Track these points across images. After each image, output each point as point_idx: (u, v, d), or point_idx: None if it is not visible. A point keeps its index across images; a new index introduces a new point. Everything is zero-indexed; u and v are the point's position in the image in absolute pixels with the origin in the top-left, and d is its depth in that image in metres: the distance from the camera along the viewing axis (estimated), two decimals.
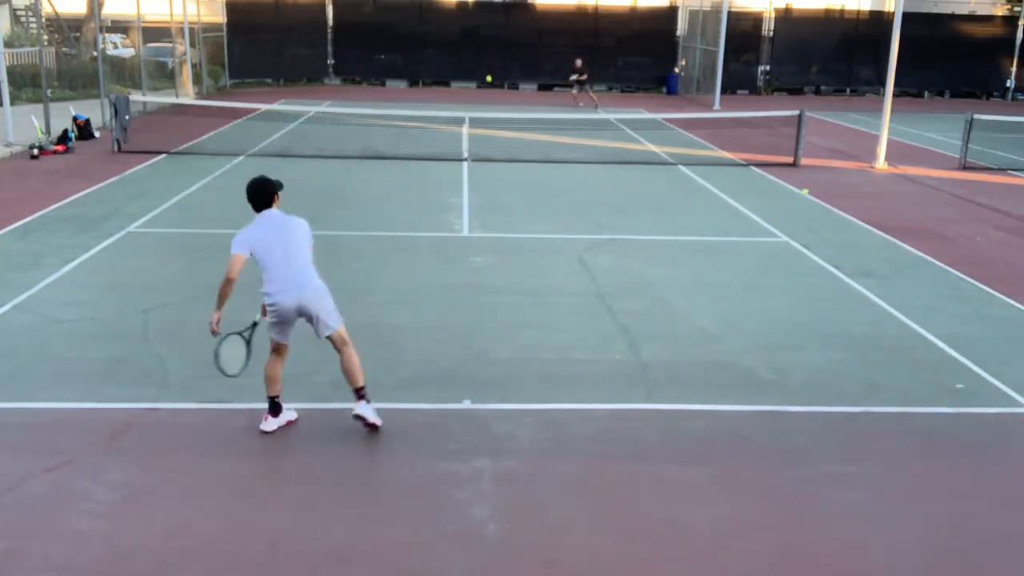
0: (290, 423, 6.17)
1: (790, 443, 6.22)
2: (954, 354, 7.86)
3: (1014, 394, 7.08)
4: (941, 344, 8.10)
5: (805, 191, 15.02)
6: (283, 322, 5.94)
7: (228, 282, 5.82)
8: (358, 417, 5.99)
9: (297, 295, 5.83)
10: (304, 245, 5.97)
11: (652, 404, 6.73)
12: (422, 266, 10.16)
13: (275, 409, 6.10)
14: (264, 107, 22.29)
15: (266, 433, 6.02)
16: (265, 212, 5.98)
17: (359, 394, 6.03)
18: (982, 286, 9.96)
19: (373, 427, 6.02)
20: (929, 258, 11.11)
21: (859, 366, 7.56)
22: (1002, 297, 9.59)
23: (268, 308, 5.92)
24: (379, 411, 6.45)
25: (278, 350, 6.07)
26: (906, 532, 5.17)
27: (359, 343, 7.74)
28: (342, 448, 5.94)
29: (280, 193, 6.06)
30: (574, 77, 28.25)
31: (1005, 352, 8.01)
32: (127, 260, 10.13)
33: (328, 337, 5.99)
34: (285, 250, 5.86)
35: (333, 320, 5.98)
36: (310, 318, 5.91)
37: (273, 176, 6.20)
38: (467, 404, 6.59)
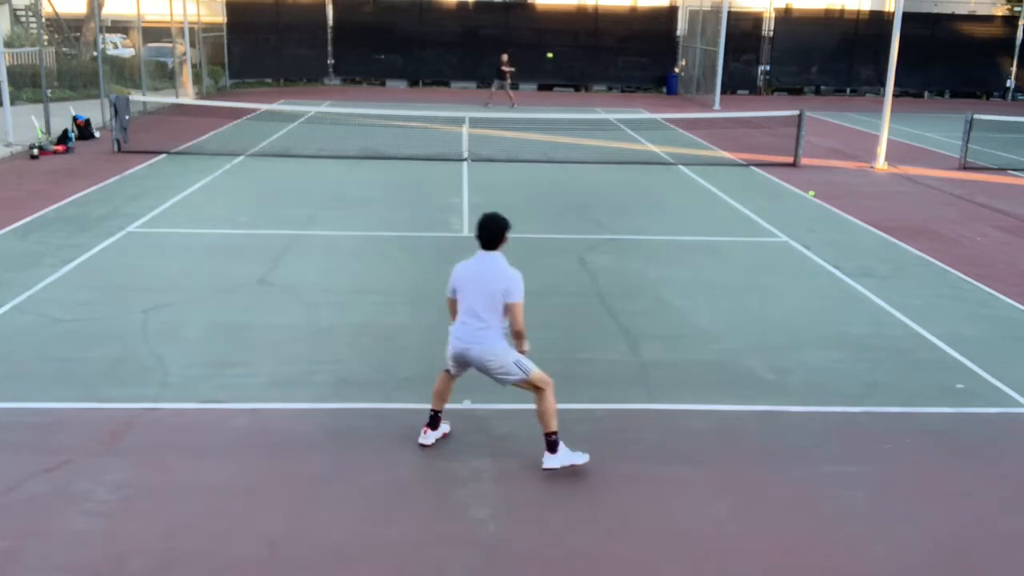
0: (445, 435, 6.05)
1: (790, 443, 6.22)
2: (954, 354, 7.86)
3: (1014, 394, 7.08)
4: (941, 344, 8.10)
5: (811, 193, 15.01)
6: (456, 366, 5.84)
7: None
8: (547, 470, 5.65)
9: (464, 349, 5.63)
10: (496, 300, 5.56)
11: (652, 404, 6.73)
12: (422, 266, 10.16)
13: (434, 423, 5.96)
14: (264, 107, 22.30)
15: (424, 447, 5.91)
16: (485, 254, 5.68)
17: (549, 440, 5.66)
18: (982, 286, 9.96)
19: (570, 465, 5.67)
20: (929, 258, 11.11)
21: (859, 366, 7.56)
22: (1002, 297, 9.59)
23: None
24: (379, 411, 6.47)
25: (449, 372, 5.95)
26: (906, 532, 5.17)
27: (359, 343, 7.79)
28: (342, 448, 5.94)
29: (508, 234, 5.75)
30: (505, 69, 27.79)
31: (1005, 352, 8.01)
32: (127, 260, 10.13)
33: (515, 385, 5.72)
34: (475, 297, 5.59)
35: (511, 374, 5.64)
36: (483, 371, 5.71)
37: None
38: (467, 404, 6.58)
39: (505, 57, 28.20)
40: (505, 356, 5.61)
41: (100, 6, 24.77)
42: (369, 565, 4.73)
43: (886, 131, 18.46)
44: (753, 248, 11.46)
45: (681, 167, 17.57)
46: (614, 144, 20.32)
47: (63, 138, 17.51)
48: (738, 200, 14.30)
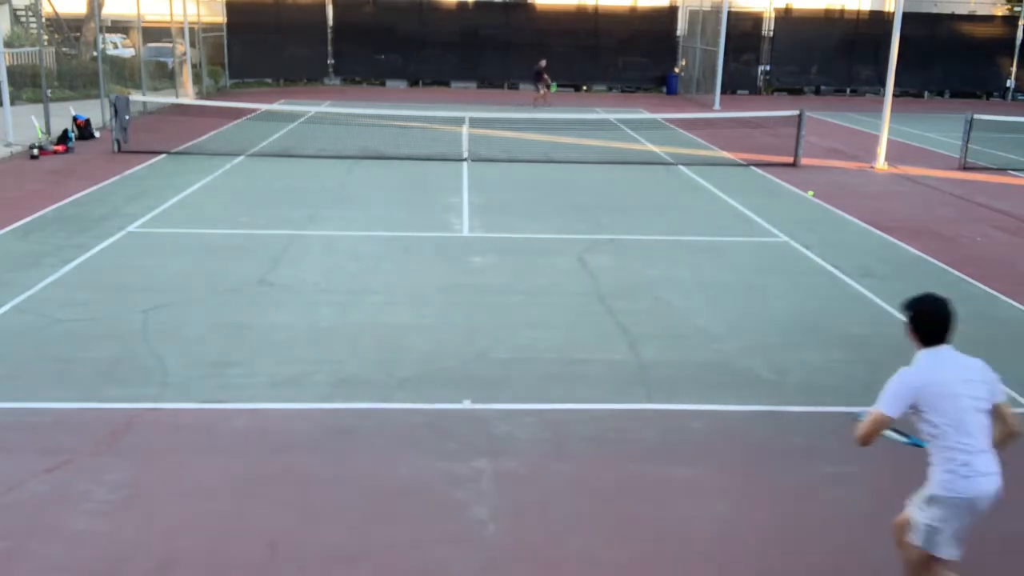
0: None
1: (790, 443, 6.22)
2: None
3: (1014, 394, 7.07)
4: None
5: (811, 193, 15.01)
6: (959, 523, 4.01)
7: (864, 444, 4.17)
8: None
9: (989, 485, 3.96)
10: (981, 404, 4.00)
11: (652, 404, 6.73)
12: (422, 266, 10.16)
13: None
14: (264, 107, 22.30)
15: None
16: (937, 349, 4.13)
17: None
18: (982, 286, 9.96)
19: None
20: (929, 258, 11.11)
21: (859, 366, 7.56)
22: (1002, 297, 9.59)
23: (938, 498, 4.00)
24: (379, 411, 6.47)
25: (943, 568, 4.08)
26: None
27: (359, 343, 7.79)
28: (342, 448, 5.94)
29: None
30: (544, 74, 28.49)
31: (1005, 352, 8.00)
32: (127, 260, 10.13)
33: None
34: (974, 408, 3.96)
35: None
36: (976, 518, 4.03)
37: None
38: (467, 404, 6.59)
39: (543, 63, 28.88)
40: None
41: (100, 6, 24.77)
42: (369, 565, 4.74)
43: (886, 131, 18.45)
44: (753, 248, 11.45)
45: (681, 167, 17.57)
46: (614, 144, 20.32)
47: (63, 138, 17.51)
48: (738, 200, 14.30)
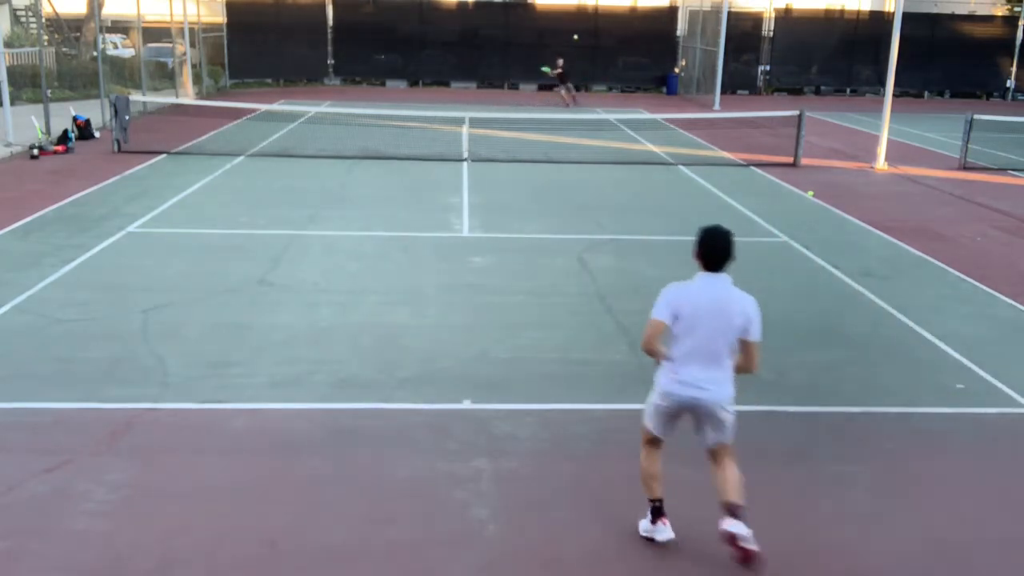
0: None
1: (790, 443, 6.22)
2: (954, 354, 7.86)
3: (1014, 394, 7.07)
4: (941, 344, 8.10)
5: (811, 193, 15.01)
6: (669, 415, 4.87)
7: (648, 351, 4.78)
8: (730, 536, 4.58)
9: (695, 396, 4.69)
10: (733, 332, 4.65)
11: None
12: (422, 266, 10.16)
13: (658, 513, 4.94)
14: (264, 107, 22.30)
15: (652, 541, 4.98)
16: (711, 275, 4.75)
17: (733, 510, 4.67)
18: (982, 286, 9.96)
19: (748, 555, 4.54)
20: (929, 258, 11.11)
21: (859, 366, 7.56)
22: (1002, 297, 9.59)
23: (658, 391, 4.85)
24: (379, 411, 6.47)
25: (653, 443, 4.98)
26: (906, 532, 5.17)
27: (359, 343, 7.79)
28: (342, 448, 5.94)
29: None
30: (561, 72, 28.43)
31: (1005, 352, 8.01)
32: (127, 260, 10.13)
33: (711, 447, 4.88)
34: (710, 329, 4.63)
35: (727, 434, 4.85)
36: (703, 420, 4.81)
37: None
38: (467, 404, 6.59)
39: (560, 61, 28.95)
40: (734, 410, 4.83)
41: (100, 6, 24.77)
42: (369, 565, 4.74)
43: (886, 131, 18.45)
44: (753, 248, 11.45)
45: (681, 167, 17.57)
46: (614, 144, 20.32)
47: (63, 138, 17.51)
48: (738, 200, 14.30)
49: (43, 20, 24.61)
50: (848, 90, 36.46)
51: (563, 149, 19.25)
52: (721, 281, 4.77)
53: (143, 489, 5.37)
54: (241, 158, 16.84)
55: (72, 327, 7.97)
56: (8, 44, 24.91)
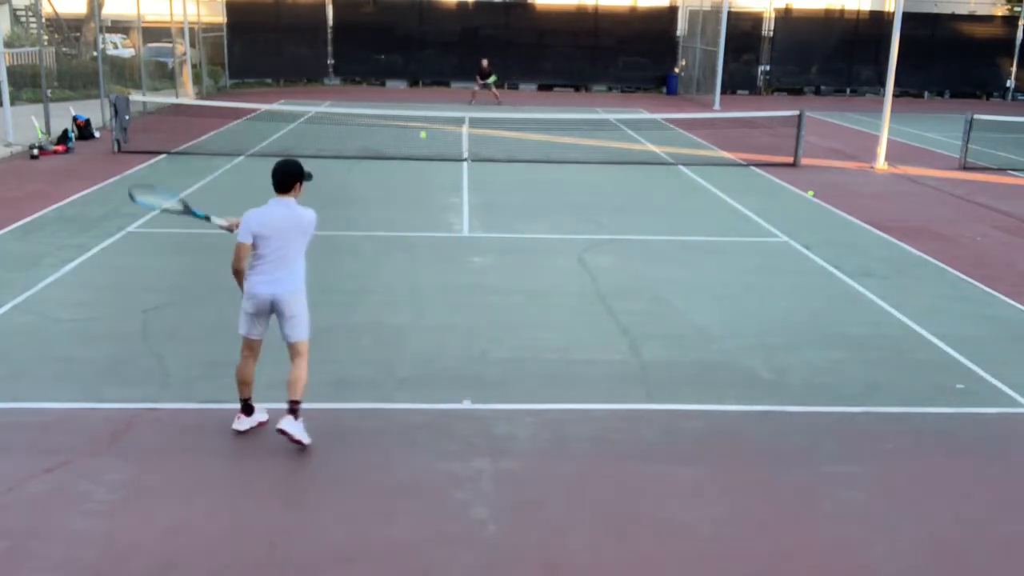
0: (261, 424, 6.15)
1: (790, 443, 6.22)
2: (954, 354, 7.86)
3: (1014, 394, 7.08)
4: (941, 344, 8.10)
5: (811, 193, 15.01)
6: (255, 314, 5.89)
7: (236, 273, 5.88)
8: (282, 432, 5.78)
9: (274, 289, 5.79)
10: (299, 240, 5.84)
11: (652, 404, 6.73)
12: (422, 266, 10.16)
13: (248, 410, 6.10)
14: (264, 107, 22.31)
15: (239, 432, 6.05)
16: (279, 199, 5.84)
17: (292, 407, 5.84)
18: (982, 286, 9.96)
19: (299, 443, 5.81)
20: (929, 258, 11.11)
21: (859, 366, 7.56)
22: (1002, 297, 9.59)
23: (245, 296, 5.89)
24: (379, 411, 6.47)
25: (251, 347, 6.02)
26: (906, 532, 5.17)
27: (359, 343, 7.79)
28: (342, 448, 5.94)
29: (303, 183, 5.91)
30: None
31: (1005, 352, 8.01)
32: (127, 260, 10.13)
33: (290, 344, 5.96)
34: (281, 242, 5.76)
35: (302, 329, 5.93)
36: (281, 316, 5.86)
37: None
38: (467, 404, 6.59)
39: (485, 62, 28.93)
40: (305, 306, 5.95)
41: (100, 6, 24.76)
42: (369, 565, 4.73)
43: (886, 131, 18.45)
44: (753, 248, 11.45)
45: (681, 167, 17.57)
46: (614, 144, 20.32)
47: (63, 138, 17.51)
48: (738, 200, 14.30)
49: (43, 20, 24.58)
50: (848, 90, 36.47)
51: (563, 149, 19.25)
52: (289, 203, 5.86)
53: (143, 489, 5.37)
54: (241, 158, 16.84)
55: (72, 327, 7.97)
56: (8, 44, 24.92)
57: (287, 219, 5.79)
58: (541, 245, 11.29)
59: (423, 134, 18.64)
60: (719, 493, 5.51)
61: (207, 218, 6.33)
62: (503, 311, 8.72)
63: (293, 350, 5.96)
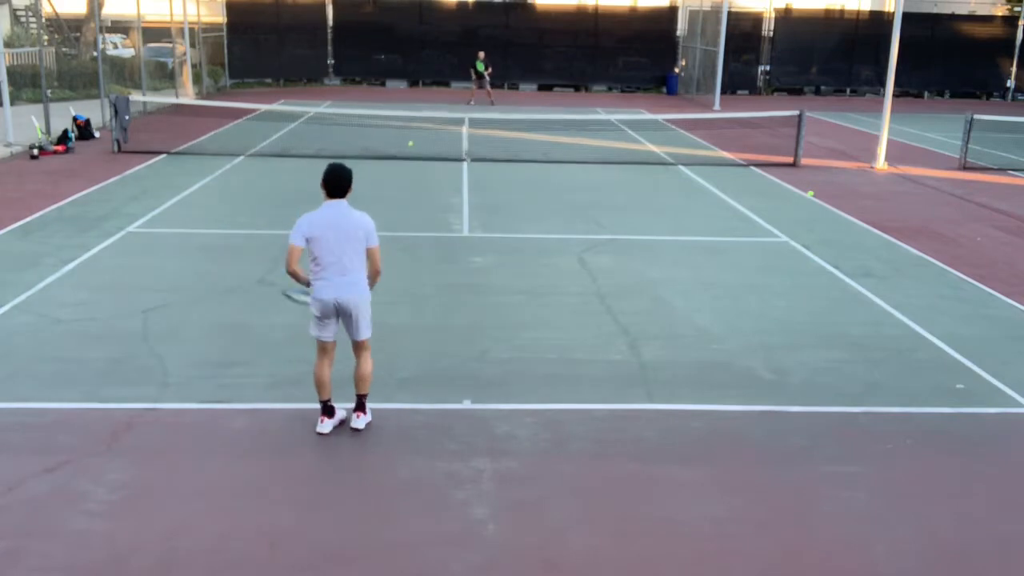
0: (342, 422, 6.23)
1: (790, 443, 6.22)
2: (954, 354, 7.87)
3: (1014, 394, 7.08)
4: (941, 344, 8.10)
5: (811, 193, 15.02)
6: (322, 317, 5.98)
7: (291, 274, 5.99)
8: (356, 430, 6.11)
9: (336, 294, 5.89)
10: (353, 243, 5.92)
11: (652, 404, 6.73)
12: (422, 266, 10.16)
13: (329, 411, 6.15)
14: (264, 107, 22.28)
15: (322, 435, 6.08)
16: (333, 202, 5.93)
17: (360, 402, 6.16)
18: (982, 286, 9.96)
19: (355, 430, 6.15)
20: (929, 258, 11.11)
21: (859, 366, 7.56)
22: (1002, 297, 9.59)
23: (312, 301, 5.97)
24: (379, 411, 6.47)
25: (324, 349, 6.09)
26: (906, 532, 5.17)
27: None
28: (342, 448, 5.94)
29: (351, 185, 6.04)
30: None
31: (1005, 352, 8.01)
32: (127, 260, 10.13)
33: (355, 342, 6.11)
34: (337, 244, 5.85)
35: (365, 328, 6.07)
36: (347, 318, 5.99)
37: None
38: (467, 404, 6.59)
39: (482, 53, 28.83)
40: (368, 307, 6.10)
41: (100, 6, 24.76)
42: (369, 565, 4.74)
43: (886, 131, 18.45)
44: (753, 248, 11.46)
45: (681, 167, 17.57)
46: (614, 144, 20.32)
47: (63, 138, 17.50)
48: (738, 200, 14.30)
49: (43, 20, 24.61)
50: (848, 90, 36.45)
51: (563, 149, 19.25)
52: (341, 205, 5.95)
53: (143, 489, 5.37)
54: (241, 158, 16.83)
55: (72, 327, 7.97)
56: (8, 44, 24.91)
57: (335, 219, 5.87)
58: (541, 245, 11.29)
59: (411, 143, 18.74)
60: (719, 493, 5.51)
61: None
62: (503, 311, 8.72)
63: (358, 348, 6.13)
